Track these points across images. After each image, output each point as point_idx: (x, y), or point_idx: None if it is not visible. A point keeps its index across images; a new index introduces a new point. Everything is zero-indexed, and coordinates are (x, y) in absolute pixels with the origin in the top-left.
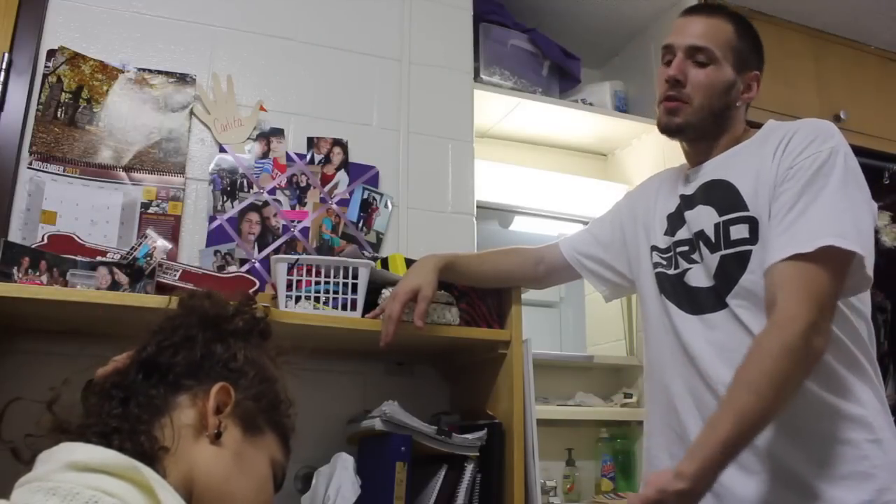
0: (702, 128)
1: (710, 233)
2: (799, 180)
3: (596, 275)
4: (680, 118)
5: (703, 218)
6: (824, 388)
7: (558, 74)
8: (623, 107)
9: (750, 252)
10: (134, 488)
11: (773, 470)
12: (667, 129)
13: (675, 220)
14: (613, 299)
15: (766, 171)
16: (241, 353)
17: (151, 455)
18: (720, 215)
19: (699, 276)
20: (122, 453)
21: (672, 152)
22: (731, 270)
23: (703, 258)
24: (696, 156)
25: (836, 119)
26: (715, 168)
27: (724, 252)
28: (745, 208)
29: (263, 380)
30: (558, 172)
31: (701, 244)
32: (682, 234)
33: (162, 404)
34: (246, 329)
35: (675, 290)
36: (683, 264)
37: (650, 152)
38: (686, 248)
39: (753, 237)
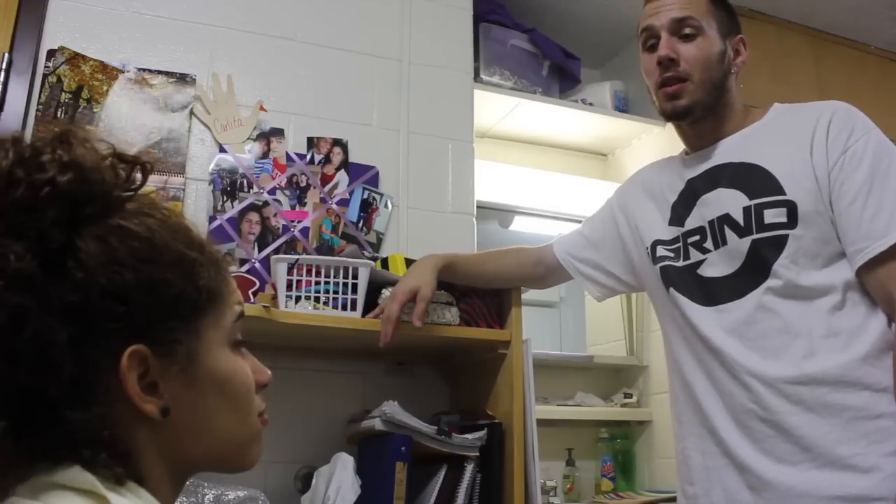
0: (709, 104)
1: (739, 216)
2: (860, 167)
3: (589, 278)
4: (685, 99)
5: (728, 201)
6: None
7: (558, 74)
8: (623, 107)
9: (787, 236)
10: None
11: (812, 458)
12: (674, 115)
13: (682, 209)
14: (605, 299)
15: (804, 156)
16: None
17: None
18: (751, 199)
19: (715, 265)
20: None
21: (673, 152)
22: (765, 254)
23: (726, 243)
24: (701, 137)
25: None
26: (731, 150)
27: (756, 236)
28: (782, 192)
29: (158, 286)
30: (558, 172)
31: (726, 228)
32: (692, 222)
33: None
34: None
35: (686, 282)
36: (696, 255)
37: (650, 152)
38: (697, 237)
39: (792, 221)
